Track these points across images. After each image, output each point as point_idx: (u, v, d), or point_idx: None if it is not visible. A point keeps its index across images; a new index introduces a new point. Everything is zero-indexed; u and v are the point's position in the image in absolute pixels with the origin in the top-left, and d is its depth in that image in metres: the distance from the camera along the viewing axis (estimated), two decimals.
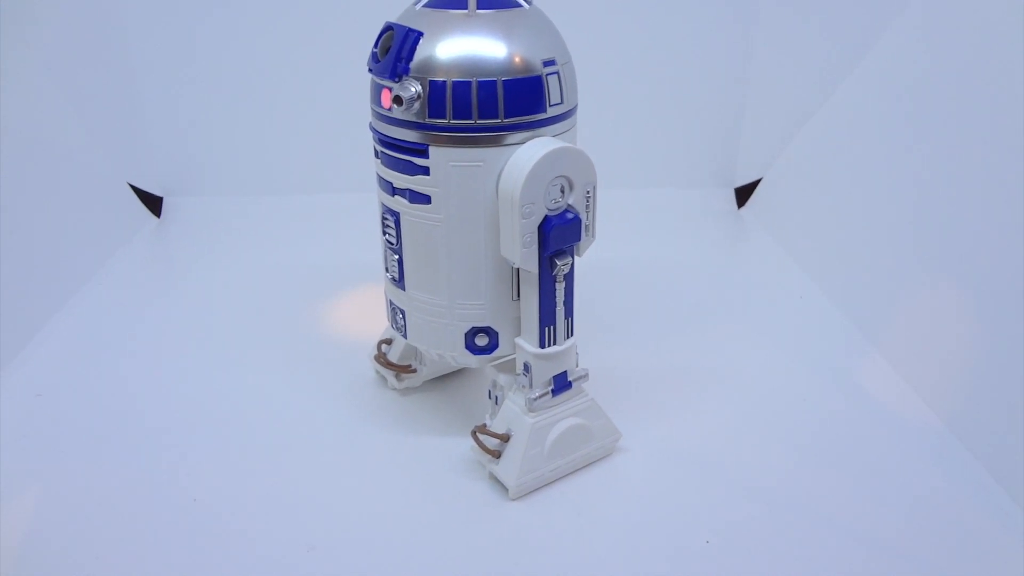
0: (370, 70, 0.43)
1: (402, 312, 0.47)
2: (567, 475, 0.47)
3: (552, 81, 0.42)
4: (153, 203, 0.82)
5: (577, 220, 0.42)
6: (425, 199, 0.42)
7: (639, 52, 0.84)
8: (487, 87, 0.40)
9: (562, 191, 0.41)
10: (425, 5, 0.42)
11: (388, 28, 0.42)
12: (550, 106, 0.42)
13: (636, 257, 0.75)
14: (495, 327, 0.45)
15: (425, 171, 0.42)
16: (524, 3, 0.43)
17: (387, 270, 0.47)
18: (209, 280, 0.70)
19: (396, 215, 0.44)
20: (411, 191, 0.43)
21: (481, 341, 0.45)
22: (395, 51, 0.41)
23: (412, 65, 0.40)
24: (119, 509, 0.44)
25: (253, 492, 0.46)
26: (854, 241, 0.67)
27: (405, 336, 0.48)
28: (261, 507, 0.45)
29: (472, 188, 0.41)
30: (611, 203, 0.81)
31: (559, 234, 0.42)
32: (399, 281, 0.46)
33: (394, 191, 0.43)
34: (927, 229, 0.58)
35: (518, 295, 0.45)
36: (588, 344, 0.52)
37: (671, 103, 0.86)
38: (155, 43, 0.80)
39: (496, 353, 0.46)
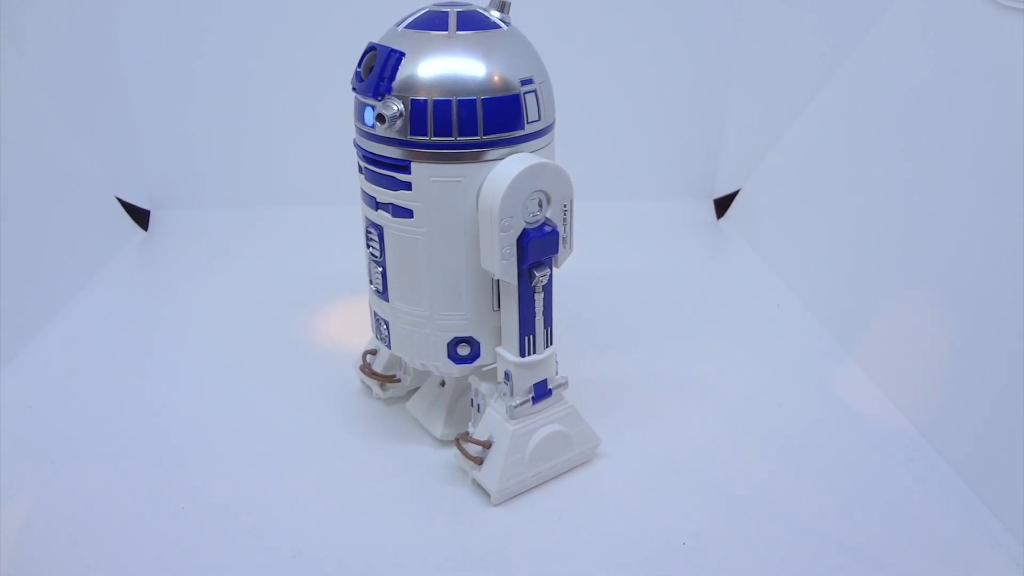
0: (354, 89, 0.44)
1: (386, 323, 0.48)
2: (548, 480, 0.48)
3: (530, 99, 0.43)
4: (140, 216, 0.83)
5: (555, 233, 0.43)
6: (407, 213, 0.43)
7: (618, 66, 0.85)
8: (467, 105, 0.41)
9: (540, 205, 0.43)
10: (407, 26, 0.43)
11: (371, 48, 0.43)
12: (528, 123, 0.43)
13: (616, 268, 0.76)
14: (476, 337, 0.46)
15: (407, 186, 0.43)
16: (502, 24, 0.44)
17: (371, 282, 0.48)
18: (197, 292, 0.71)
19: (380, 229, 0.45)
20: (394, 205, 0.44)
21: (463, 351, 0.46)
22: (378, 70, 0.42)
23: (394, 84, 0.42)
24: (107, 519, 0.45)
25: (240, 499, 0.47)
26: (831, 251, 0.68)
27: (389, 347, 0.49)
28: (248, 513, 0.45)
29: (452, 202, 0.43)
30: (591, 215, 0.82)
31: (537, 246, 0.43)
32: (383, 292, 0.47)
33: (377, 205, 0.45)
34: (902, 239, 0.60)
35: (498, 306, 0.46)
36: (567, 354, 0.54)
37: (650, 116, 0.87)
38: (144, 57, 0.81)
39: (478, 362, 0.47)
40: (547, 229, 0.43)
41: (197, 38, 0.81)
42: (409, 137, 0.42)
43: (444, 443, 0.50)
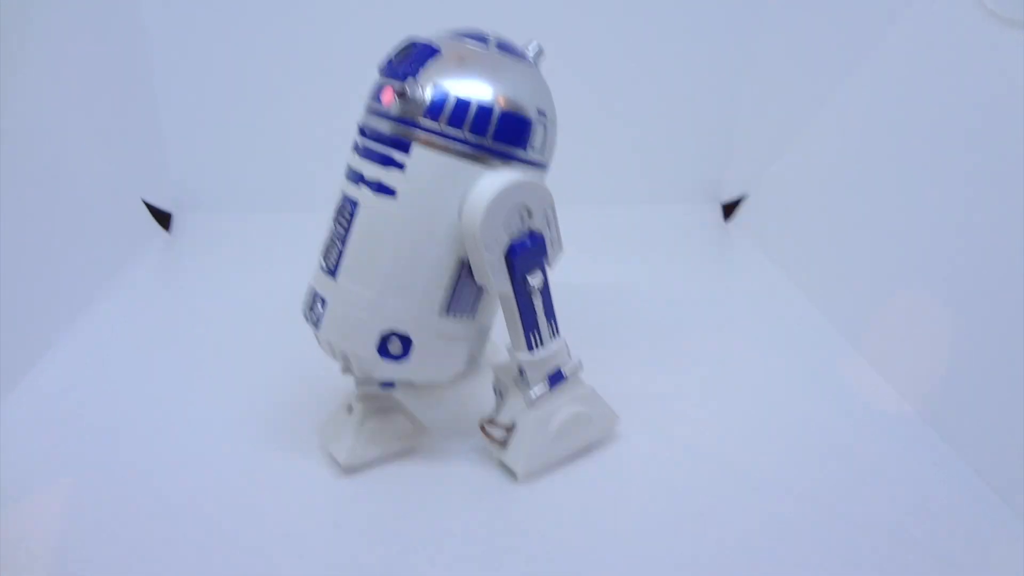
0: (380, 71, 0.46)
1: (323, 302, 0.46)
2: (570, 459, 0.50)
3: (539, 130, 0.45)
4: (163, 218, 0.85)
5: (540, 240, 0.45)
6: (391, 192, 0.43)
7: (626, 71, 0.87)
8: (485, 109, 0.43)
9: (521, 218, 0.44)
10: (449, 34, 0.45)
11: (410, 42, 0.45)
12: (531, 149, 0.45)
13: (624, 272, 0.78)
14: (412, 336, 0.45)
15: (400, 166, 0.43)
16: (531, 60, 0.47)
17: (323, 259, 0.47)
18: (217, 294, 0.72)
19: (355, 204, 0.45)
20: (380, 183, 0.43)
21: (394, 348, 0.45)
22: (411, 57, 0.44)
23: (422, 71, 0.43)
24: (113, 524, 0.45)
25: (272, 479, 0.49)
26: (838, 252, 0.71)
27: (317, 327, 0.46)
28: (282, 491, 0.48)
29: (438, 194, 0.43)
30: (599, 220, 0.85)
31: (525, 259, 0.44)
32: (332, 271, 0.45)
33: (362, 180, 0.44)
34: (906, 240, 0.62)
35: (447, 310, 0.45)
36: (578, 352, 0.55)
37: (658, 120, 0.89)
38: (172, 66, 0.84)
39: (403, 366, 0.45)
40: (532, 239, 0.44)
41: (224, 45, 0.84)
42: (420, 120, 0.43)
43: (469, 431, 0.52)
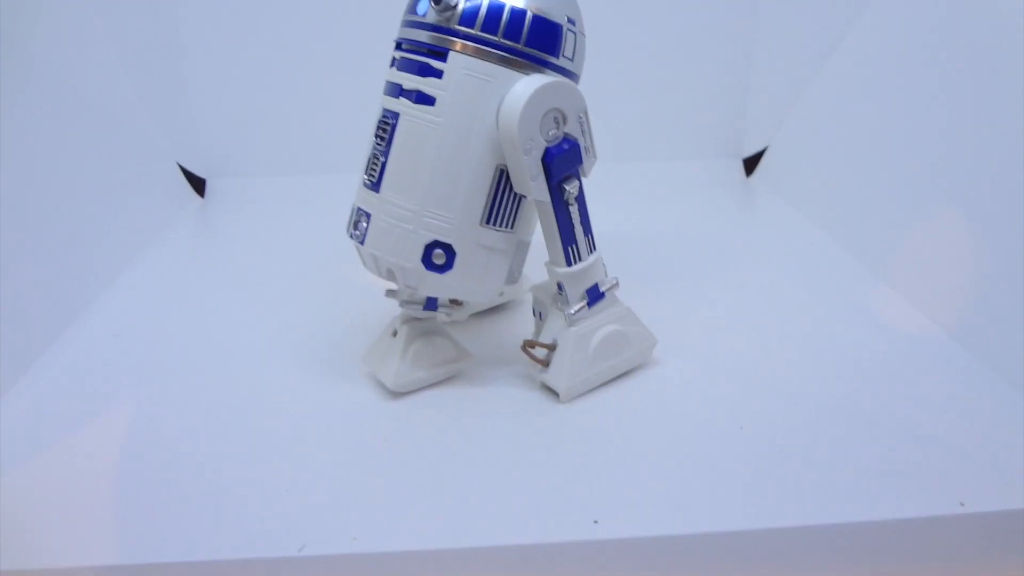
0: None
1: (368, 216, 0.47)
2: (610, 381, 0.51)
3: (569, 37, 0.46)
4: (197, 184, 0.87)
5: (575, 146, 0.46)
6: (430, 100, 0.44)
7: (644, 33, 0.89)
8: (518, 13, 0.44)
9: (556, 123, 0.46)
10: None
11: None
12: (562, 56, 0.46)
13: (652, 223, 0.80)
14: (455, 246, 0.46)
15: (438, 74, 0.44)
16: None
17: (366, 174, 0.48)
18: (253, 250, 0.75)
19: (396, 116, 0.46)
20: (419, 92, 0.45)
21: (438, 259, 0.46)
22: None
23: None
24: (175, 448, 0.47)
25: (324, 410, 0.50)
26: (857, 192, 0.72)
27: (362, 242, 0.47)
28: (334, 413, 0.49)
29: (475, 99, 0.44)
30: (623, 176, 0.87)
31: (561, 162, 0.46)
32: (376, 184, 0.47)
33: (401, 92, 0.46)
34: (921, 169, 0.63)
35: (487, 220, 0.46)
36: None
37: (678, 78, 0.91)
38: (205, 42, 0.87)
39: (447, 277, 0.47)
40: (567, 144, 0.46)
41: (256, 15, 0.86)
42: (456, 27, 0.44)
43: (508, 360, 0.54)
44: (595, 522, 0.40)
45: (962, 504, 0.41)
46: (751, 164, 0.92)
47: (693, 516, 0.40)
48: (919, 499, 0.41)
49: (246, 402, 0.51)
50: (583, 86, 0.48)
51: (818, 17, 0.82)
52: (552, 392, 0.50)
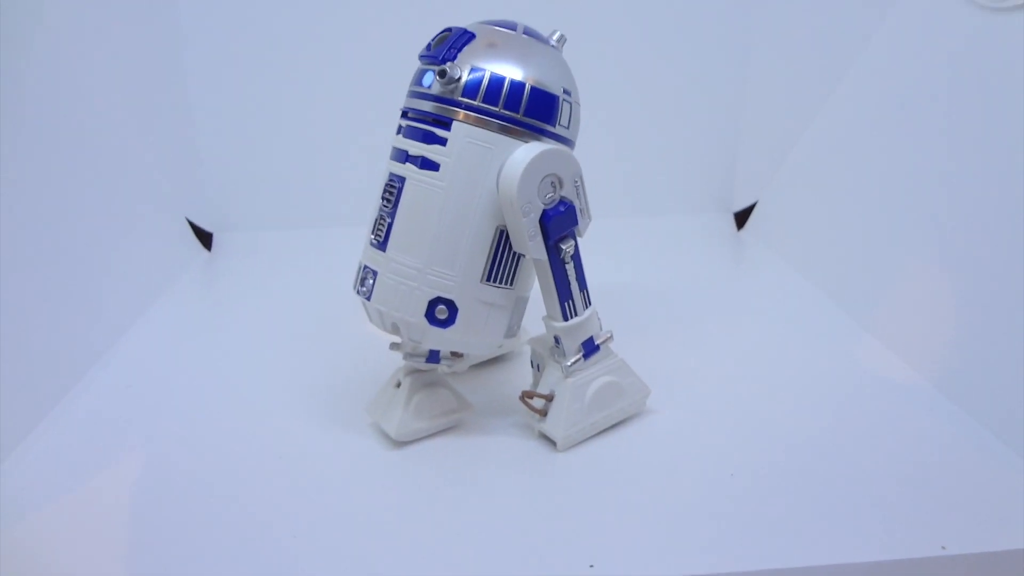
0: (421, 56, 0.50)
1: (374, 274, 0.49)
2: (606, 430, 0.53)
3: (565, 107, 0.49)
4: (204, 238, 0.90)
5: (571, 208, 0.49)
6: (435, 166, 0.47)
7: (637, 89, 0.93)
8: (517, 85, 0.47)
9: (553, 187, 0.48)
10: (481, 22, 0.50)
11: (446, 30, 0.50)
12: (559, 124, 0.49)
13: (643, 279, 0.81)
14: (457, 302, 0.48)
15: (442, 141, 0.47)
16: (555, 46, 0.51)
17: (372, 234, 0.50)
18: (260, 303, 0.77)
19: (402, 180, 0.48)
20: (424, 158, 0.48)
21: (441, 314, 0.48)
22: (449, 42, 0.48)
23: (459, 55, 0.48)
24: (182, 497, 0.48)
25: (327, 453, 0.52)
26: (846, 246, 0.75)
27: (369, 298, 0.50)
28: (337, 463, 0.51)
29: (477, 165, 0.47)
30: (618, 231, 0.89)
31: (557, 223, 0.49)
32: (382, 243, 0.49)
33: (407, 158, 0.48)
34: (911, 225, 0.66)
35: (488, 277, 0.49)
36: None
37: (669, 135, 0.94)
38: (212, 95, 0.90)
39: (449, 332, 0.49)
40: (564, 206, 0.49)
41: (262, 69, 0.90)
42: (459, 98, 0.47)
43: (506, 411, 0.56)
44: (591, 566, 0.42)
45: (943, 547, 0.42)
46: (742, 218, 0.95)
47: (685, 559, 0.42)
48: (903, 542, 0.43)
49: (254, 451, 0.52)
50: (578, 150, 0.51)
51: (807, 72, 0.86)
52: (550, 441, 0.52)
